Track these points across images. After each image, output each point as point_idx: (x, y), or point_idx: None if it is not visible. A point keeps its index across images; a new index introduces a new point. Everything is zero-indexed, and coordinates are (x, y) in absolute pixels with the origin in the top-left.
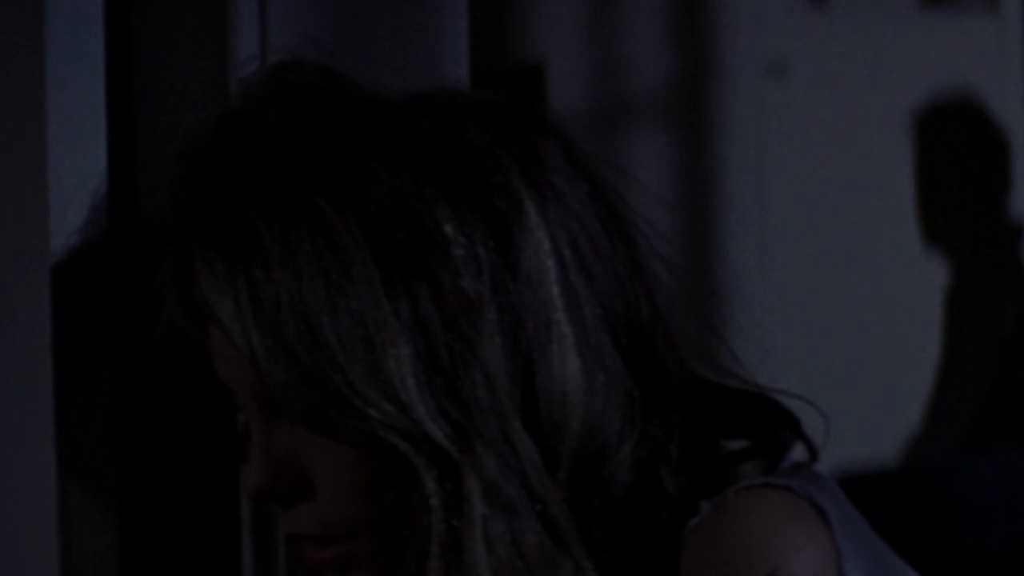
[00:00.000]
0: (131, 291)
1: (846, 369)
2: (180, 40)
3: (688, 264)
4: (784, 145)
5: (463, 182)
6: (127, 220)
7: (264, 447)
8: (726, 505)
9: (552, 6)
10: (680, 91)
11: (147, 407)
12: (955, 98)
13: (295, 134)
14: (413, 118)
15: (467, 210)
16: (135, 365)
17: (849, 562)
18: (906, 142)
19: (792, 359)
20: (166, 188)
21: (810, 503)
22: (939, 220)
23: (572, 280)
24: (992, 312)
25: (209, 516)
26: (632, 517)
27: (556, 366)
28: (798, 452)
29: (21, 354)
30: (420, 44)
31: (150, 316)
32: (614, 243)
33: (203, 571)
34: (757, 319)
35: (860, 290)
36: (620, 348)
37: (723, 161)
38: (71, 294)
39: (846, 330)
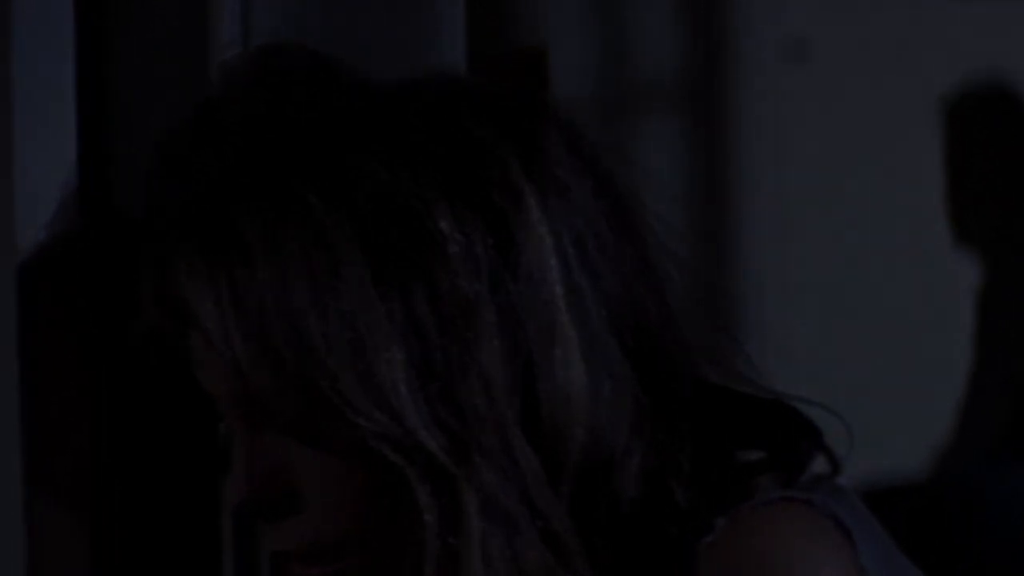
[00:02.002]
0: (104, 292)
1: (870, 375)
2: (156, 21)
3: (701, 262)
4: (804, 136)
5: (460, 177)
6: (100, 215)
7: (248, 458)
8: (741, 521)
9: None
10: (692, 77)
11: (122, 416)
12: (989, 85)
13: (281, 126)
14: (406, 109)
15: (464, 206)
16: (109, 371)
17: None
18: (935, 132)
19: (812, 364)
20: (142, 181)
21: (832, 519)
22: (970, 216)
23: (576, 280)
24: None
25: (189, 531)
26: (640, 533)
27: (559, 371)
28: (819, 464)
29: None
30: (414, 28)
31: (125, 319)
32: (621, 240)
33: None
34: (774, 321)
35: (885, 291)
36: (627, 352)
37: (738, 153)
38: (39, 294)
39: (870, 333)
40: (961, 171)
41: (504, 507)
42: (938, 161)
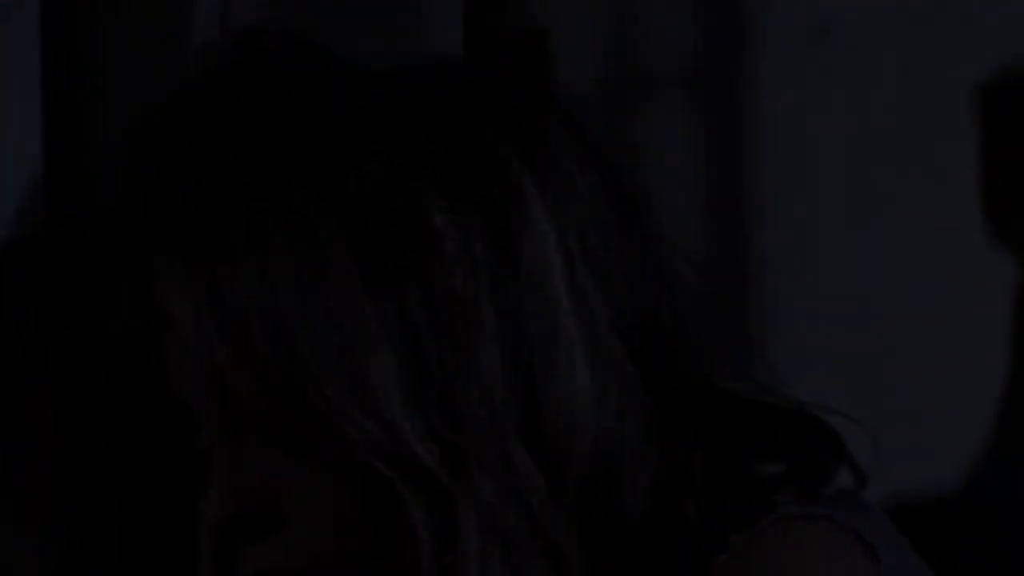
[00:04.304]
0: (73, 291)
1: (898, 382)
2: (128, 2)
3: (715, 260)
4: (828, 125)
5: (456, 168)
6: (67, 209)
7: (228, 471)
8: (758, 538)
9: None
10: (706, 60)
11: (91, 425)
12: None
13: (266, 116)
14: (399, 98)
15: (460, 200)
16: (77, 377)
17: None
18: (971, 123)
19: (835, 370)
20: (114, 173)
21: (856, 537)
22: (1007, 210)
23: (581, 279)
24: None
25: (163, 550)
26: (649, 550)
27: (562, 377)
28: (842, 478)
29: None
30: (407, 9)
31: (95, 320)
32: (629, 237)
33: None
34: (794, 324)
35: (915, 292)
36: (636, 357)
37: (757, 143)
38: (3, 295)
39: (898, 337)
40: (999, 164)
41: (504, 523)
42: (974, 153)
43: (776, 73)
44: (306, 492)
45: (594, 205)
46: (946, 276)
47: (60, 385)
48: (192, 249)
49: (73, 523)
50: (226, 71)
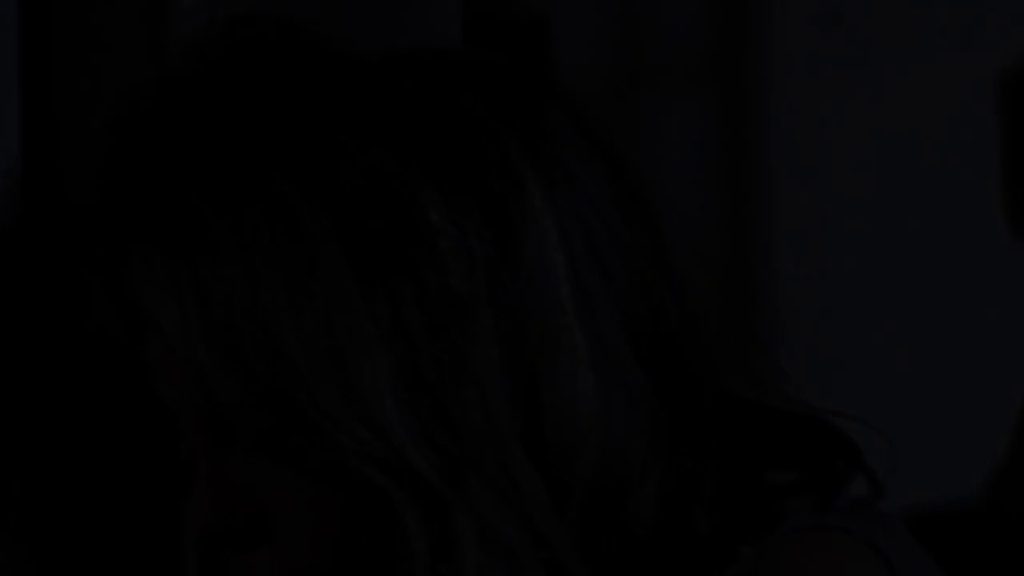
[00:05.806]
0: (52, 290)
1: (917, 386)
2: None
3: (726, 259)
4: (842, 113)
5: (453, 159)
6: (46, 205)
7: (213, 480)
8: (770, 550)
9: None
10: (715, 49)
11: (70, 432)
12: None
13: (249, 102)
14: (392, 85)
15: (458, 193)
16: (55, 380)
17: None
18: (991, 110)
19: (851, 373)
20: (92, 167)
21: (871, 548)
22: None
23: (585, 278)
24: None
25: (146, 562)
26: (657, 563)
27: (566, 383)
28: (858, 487)
29: None
30: None
31: (74, 321)
32: (636, 234)
33: None
34: (808, 325)
35: (935, 290)
36: (643, 361)
37: (768, 134)
38: None
39: (917, 338)
40: (1019, 158)
41: (503, 535)
42: (995, 142)
43: (788, 61)
44: (295, 502)
45: (598, 200)
46: (964, 276)
47: (39, 388)
48: (174, 246)
49: (55, 532)
50: (212, 60)
